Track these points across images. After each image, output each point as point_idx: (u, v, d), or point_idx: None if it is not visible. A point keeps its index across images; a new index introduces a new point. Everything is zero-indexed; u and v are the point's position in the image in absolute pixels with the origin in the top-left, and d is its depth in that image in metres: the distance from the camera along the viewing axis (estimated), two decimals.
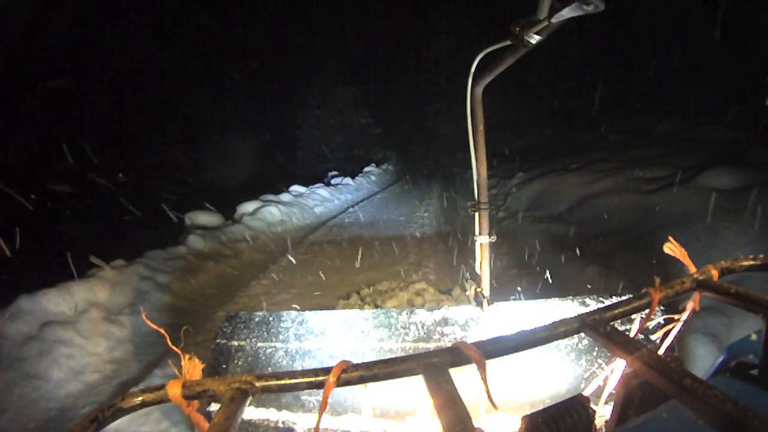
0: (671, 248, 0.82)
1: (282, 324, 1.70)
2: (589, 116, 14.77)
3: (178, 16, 18.37)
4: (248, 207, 8.20)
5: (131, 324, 3.97)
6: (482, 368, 0.59)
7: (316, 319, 1.72)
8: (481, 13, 23.33)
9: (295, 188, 10.84)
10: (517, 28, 1.15)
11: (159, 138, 17.38)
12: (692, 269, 0.78)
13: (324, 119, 22.38)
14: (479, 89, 1.63)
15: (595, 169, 6.60)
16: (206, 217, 7.25)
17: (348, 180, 14.46)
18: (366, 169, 17.44)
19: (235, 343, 1.66)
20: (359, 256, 6.09)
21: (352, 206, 11.47)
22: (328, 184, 12.95)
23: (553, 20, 1.04)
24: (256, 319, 1.72)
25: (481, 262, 1.79)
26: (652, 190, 4.94)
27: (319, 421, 0.58)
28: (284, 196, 9.61)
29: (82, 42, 14.82)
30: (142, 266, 4.85)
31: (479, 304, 1.70)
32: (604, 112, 14.40)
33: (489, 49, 1.44)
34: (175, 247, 5.69)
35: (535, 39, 1.14)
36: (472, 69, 1.57)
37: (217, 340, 1.66)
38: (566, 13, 0.99)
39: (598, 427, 0.65)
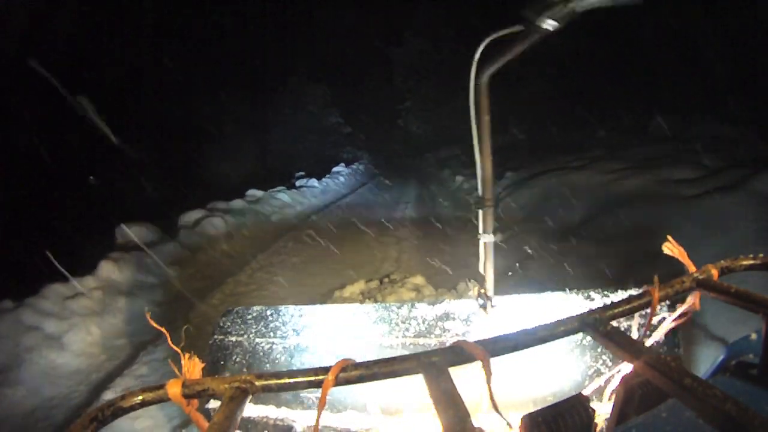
0: (670, 248, 0.82)
1: (280, 319, 1.70)
2: (572, 112, 14.58)
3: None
4: (190, 218, 6.98)
5: None
6: (486, 366, 0.59)
7: (314, 313, 1.71)
8: (455, 13, 23.01)
9: (252, 192, 9.64)
10: (531, 12, 1.08)
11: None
12: (692, 268, 0.78)
13: (293, 118, 22.08)
14: (484, 78, 1.55)
15: (603, 169, 5.89)
16: (139, 231, 6.00)
17: (313, 182, 13.29)
18: (334, 169, 16.58)
19: (233, 339, 1.66)
20: (320, 282, 5.05)
21: (317, 212, 10.25)
22: (290, 187, 11.84)
23: (578, 8, 0.97)
24: (254, 314, 1.72)
25: (485, 262, 1.75)
26: (697, 195, 4.06)
27: (318, 419, 0.58)
28: (236, 203, 8.39)
29: (82, 43, 14.58)
30: (27, 311, 3.74)
31: (483, 305, 1.67)
32: (588, 108, 14.24)
33: (496, 35, 1.37)
34: (81, 278, 4.44)
35: (551, 25, 1.06)
36: (476, 56, 1.48)
37: (215, 336, 1.66)
38: (596, 1, 0.92)
39: (598, 426, 0.65)
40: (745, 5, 9.44)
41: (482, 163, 1.69)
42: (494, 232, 1.74)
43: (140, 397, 0.57)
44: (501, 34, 1.33)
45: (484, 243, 1.74)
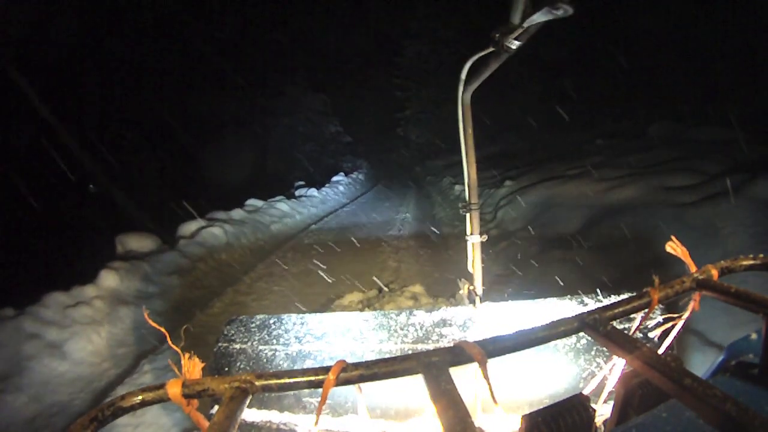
0: (673, 247, 0.82)
1: (283, 327, 1.72)
2: (568, 120, 14.56)
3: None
4: (190, 228, 6.96)
5: None
6: (484, 366, 0.59)
7: (316, 321, 1.73)
8: (455, 18, 23.00)
9: (251, 202, 9.59)
10: (497, 35, 1.20)
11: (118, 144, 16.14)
12: (693, 268, 0.78)
13: (293, 127, 22.00)
14: (468, 95, 1.71)
15: (601, 177, 5.87)
16: (139, 241, 6.01)
17: (313, 191, 13.19)
18: (334, 179, 16.55)
19: (237, 346, 1.67)
20: (319, 291, 5.04)
21: (316, 222, 10.22)
22: (290, 197, 11.80)
23: (526, 25, 1.08)
24: (257, 322, 1.74)
25: (473, 261, 1.85)
26: (693, 203, 4.05)
27: (317, 418, 0.58)
28: (236, 213, 8.36)
29: (83, 42, 14.52)
30: (28, 319, 3.75)
31: (472, 301, 1.77)
32: (584, 115, 14.18)
33: (475, 57, 1.50)
34: (82, 287, 4.44)
35: (514, 44, 1.19)
36: (461, 76, 1.64)
37: (220, 344, 1.67)
38: (537, 17, 1.02)
39: (598, 425, 0.65)
40: (745, 7, 9.45)
41: (468, 170, 1.82)
42: (481, 234, 1.85)
43: (140, 397, 0.57)
44: (478, 56, 1.48)
45: (472, 244, 1.86)
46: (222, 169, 17.33)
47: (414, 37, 25.14)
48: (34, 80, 12.11)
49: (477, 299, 1.75)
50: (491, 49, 1.32)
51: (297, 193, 12.95)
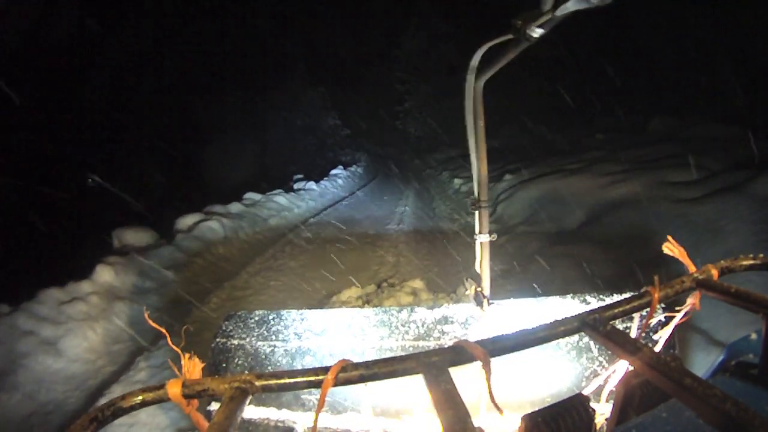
0: (670, 248, 0.82)
1: (282, 322, 1.71)
2: (566, 114, 14.48)
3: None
4: (187, 221, 6.90)
5: None
6: (486, 366, 0.59)
7: (316, 317, 1.72)
8: (454, 11, 22.88)
9: (249, 196, 9.56)
10: (519, 22, 1.11)
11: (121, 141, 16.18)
12: (692, 268, 0.78)
13: (292, 120, 21.94)
14: (480, 84, 1.59)
15: (601, 171, 5.88)
16: (135, 235, 6.02)
17: (311, 184, 13.17)
18: (332, 172, 16.43)
19: (235, 342, 1.66)
20: (317, 286, 4.98)
21: (314, 216, 10.01)
22: (288, 190, 11.68)
23: (558, 13, 1.01)
24: (256, 318, 1.73)
25: (481, 261, 1.78)
26: (695, 199, 4.02)
27: (316, 419, 0.58)
28: (234, 207, 8.28)
29: (82, 42, 14.42)
30: (23, 316, 3.71)
31: (479, 303, 1.70)
32: (583, 109, 14.15)
33: (490, 44, 1.41)
34: (78, 283, 4.35)
35: (537, 33, 1.10)
36: (473, 64, 1.53)
37: (218, 339, 1.66)
38: (572, 5, 0.95)
39: (598, 426, 0.65)
40: (745, 4, 9.42)
41: (478, 166, 1.72)
42: (490, 233, 1.76)
43: (140, 397, 0.57)
44: (493, 43, 1.37)
45: (480, 243, 1.77)
46: (220, 162, 17.18)
47: (414, 30, 25.10)
48: (34, 77, 12.05)
49: (485, 301, 1.68)
50: (510, 36, 1.21)
51: (295, 186, 12.89)
